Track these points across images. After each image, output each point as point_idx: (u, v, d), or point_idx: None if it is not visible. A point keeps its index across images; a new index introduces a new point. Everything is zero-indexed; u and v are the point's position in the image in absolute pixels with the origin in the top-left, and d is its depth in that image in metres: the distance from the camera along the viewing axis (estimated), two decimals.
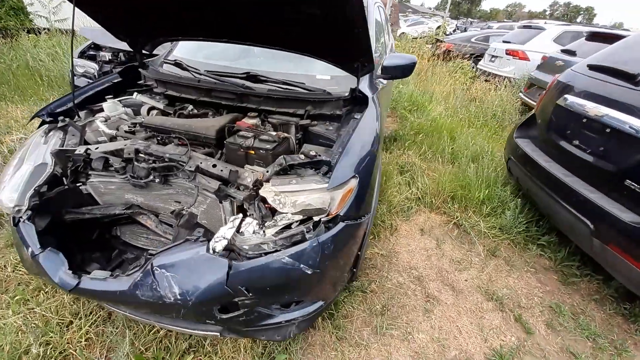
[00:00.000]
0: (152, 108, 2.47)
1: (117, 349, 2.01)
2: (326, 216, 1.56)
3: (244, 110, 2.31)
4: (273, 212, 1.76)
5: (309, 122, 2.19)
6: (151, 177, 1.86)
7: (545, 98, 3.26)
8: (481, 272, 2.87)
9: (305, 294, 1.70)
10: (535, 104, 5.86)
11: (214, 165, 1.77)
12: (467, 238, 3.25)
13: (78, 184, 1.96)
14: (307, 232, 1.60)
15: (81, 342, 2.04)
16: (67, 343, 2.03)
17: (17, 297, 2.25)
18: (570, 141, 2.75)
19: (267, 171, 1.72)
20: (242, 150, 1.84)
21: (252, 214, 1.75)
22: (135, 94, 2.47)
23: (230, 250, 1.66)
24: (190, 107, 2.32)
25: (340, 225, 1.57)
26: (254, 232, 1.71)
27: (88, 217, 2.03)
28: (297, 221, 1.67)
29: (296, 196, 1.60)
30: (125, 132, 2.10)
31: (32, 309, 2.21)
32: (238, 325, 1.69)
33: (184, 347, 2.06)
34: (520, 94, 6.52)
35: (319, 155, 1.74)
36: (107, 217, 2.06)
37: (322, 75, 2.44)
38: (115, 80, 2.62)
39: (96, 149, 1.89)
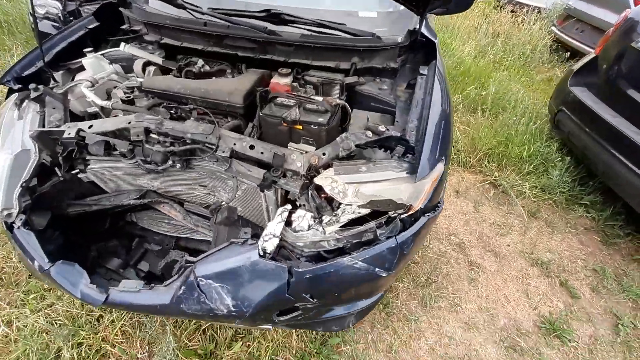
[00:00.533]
0: (147, 63, 1.91)
1: (159, 343, 1.87)
2: (406, 211, 1.24)
3: (269, 64, 1.80)
4: (329, 201, 1.43)
5: (356, 80, 1.72)
6: (169, 163, 1.47)
7: (612, 38, 2.73)
8: (523, 236, 2.74)
9: (374, 293, 1.50)
10: (571, 40, 5.18)
11: (252, 147, 1.37)
12: (505, 199, 3.05)
13: (75, 172, 1.56)
14: (378, 228, 1.31)
15: (118, 337, 1.89)
16: (102, 340, 1.87)
17: (32, 294, 2.03)
18: None
19: (324, 153, 1.34)
20: (285, 124, 1.42)
21: (304, 205, 1.43)
22: (122, 44, 1.88)
23: (281, 247, 1.39)
24: (201, 62, 1.77)
25: (423, 220, 1.28)
26: (309, 228, 1.41)
27: (96, 209, 1.68)
28: (364, 214, 1.36)
29: (365, 186, 1.26)
30: (123, 100, 1.61)
31: (52, 304, 2.00)
32: (295, 321, 1.51)
33: (230, 335, 1.94)
34: (553, 27, 5.71)
35: (388, 130, 1.35)
36: (118, 207, 1.71)
37: (366, 11, 1.86)
38: (91, 26, 1.98)
39: (90, 127, 1.44)
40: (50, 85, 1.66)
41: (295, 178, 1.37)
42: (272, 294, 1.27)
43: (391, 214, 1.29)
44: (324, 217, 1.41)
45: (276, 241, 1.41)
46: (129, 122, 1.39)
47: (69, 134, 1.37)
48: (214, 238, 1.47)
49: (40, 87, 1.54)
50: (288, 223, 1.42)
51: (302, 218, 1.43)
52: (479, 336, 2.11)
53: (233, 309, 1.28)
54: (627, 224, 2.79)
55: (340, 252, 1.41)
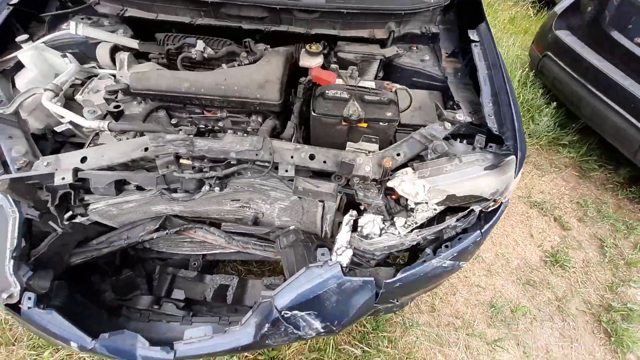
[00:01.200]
0: (116, 49, 1.40)
1: None
2: (492, 203, 1.18)
3: (282, 38, 1.43)
4: (397, 201, 1.31)
5: (396, 52, 1.47)
6: (206, 188, 1.17)
7: None
8: (520, 183, 2.95)
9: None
10: None
11: (312, 157, 1.13)
12: None
13: (74, 219, 1.18)
14: (458, 223, 1.26)
15: None
16: None
17: (43, 348, 1.69)
18: (632, 38, 2.44)
19: (398, 154, 1.16)
20: (345, 124, 1.18)
21: (371, 209, 1.30)
22: (72, 24, 1.32)
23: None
24: (201, 44, 1.33)
25: (502, 207, 1.24)
26: (382, 232, 1.30)
27: (107, 252, 1.35)
28: (439, 211, 1.28)
29: (452, 187, 1.15)
30: (112, 114, 1.18)
31: (71, 355, 1.71)
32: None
33: None
34: None
35: (465, 119, 1.19)
36: (135, 244, 1.40)
37: None
38: (12, 2, 1.35)
39: (83, 161, 1.04)
40: None
41: (366, 185, 1.20)
42: (361, 308, 1.21)
43: (474, 207, 1.22)
44: (396, 219, 1.30)
45: (350, 252, 1.29)
46: (146, 149, 1.03)
47: (63, 179, 0.98)
48: (284, 264, 1.28)
49: None
50: (355, 229, 1.30)
51: (373, 223, 1.30)
52: (500, 279, 2.35)
53: (322, 330, 1.21)
54: (599, 158, 3.14)
55: (412, 249, 1.36)
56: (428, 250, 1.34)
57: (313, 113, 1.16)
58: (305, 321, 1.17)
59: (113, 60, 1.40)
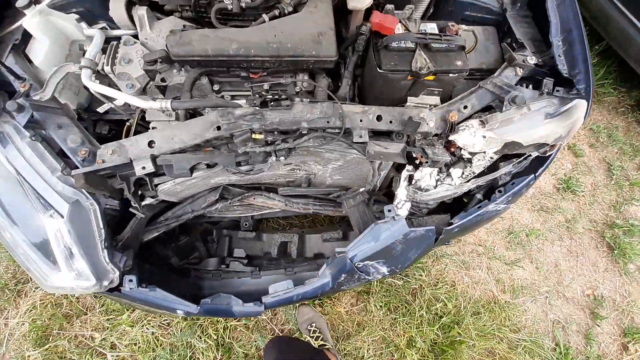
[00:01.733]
0: (130, 3, 1.18)
1: None
2: (549, 148, 1.22)
3: None
4: (452, 151, 1.34)
5: None
6: (272, 159, 1.16)
7: None
8: None
9: None
10: None
11: (379, 118, 1.10)
12: None
13: (149, 202, 1.18)
14: (512, 168, 1.31)
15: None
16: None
17: (118, 312, 1.88)
18: None
19: (465, 107, 1.13)
20: (411, 78, 1.11)
21: (426, 162, 1.33)
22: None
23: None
24: None
25: (557, 149, 1.29)
26: (438, 183, 1.36)
27: (175, 225, 1.40)
28: (495, 159, 1.32)
29: (518, 136, 1.16)
30: (159, 87, 1.07)
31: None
32: None
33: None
34: None
35: (538, 61, 1.13)
36: (201, 216, 1.43)
37: None
38: None
39: (151, 145, 0.99)
40: (22, 88, 1.00)
41: (429, 140, 1.20)
42: (421, 252, 1.35)
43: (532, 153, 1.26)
44: (452, 171, 1.35)
45: (408, 205, 1.37)
46: (218, 128, 0.97)
47: (144, 168, 0.94)
48: (352, 221, 1.36)
49: (21, 102, 0.92)
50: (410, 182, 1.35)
51: (429, 176, 1.35)
52: (516, 208, 2.56)
53: (387, 273, 1.36)
54: (615, 81, 3.11)
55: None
56: (479, 195, 1.42)
57: (379, 70, 1.08)
58: (375, 268, 1.31)
59: (132, 19, 1.20)
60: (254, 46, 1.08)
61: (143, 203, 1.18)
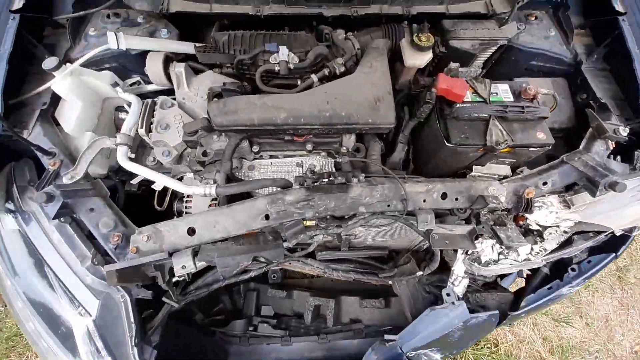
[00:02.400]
0: (167, 59, 1.09)
1: None
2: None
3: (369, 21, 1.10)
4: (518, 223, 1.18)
5: (517, 30, 1.15)
6: (319, 238, 1.03)
7: None
8: None
9: None
10: None
11: (444, 196, 0.96)
12: None
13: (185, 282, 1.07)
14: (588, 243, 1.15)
15: None
16: None
17: None
18: None
19: (545, 183, 0.98)
20: (482, 150, 0.96)
21: (489, 235, 1.17)
22: (111, 35, 0.99)
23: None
24: (285, 52, 1.01)
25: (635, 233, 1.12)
26: (500, 257, 1.20)
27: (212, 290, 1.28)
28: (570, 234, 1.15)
29: (605, 219, 1.00)
30: (201, 161, 0.97)
31: None
32: None
33: None
34: None
35: (626, 128, 0.97)
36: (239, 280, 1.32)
37: None
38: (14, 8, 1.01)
39: (192, 233, 0.87)
40: (51, 167, 0.91)
41: (498, 217, 1.05)
42: (480, 336, 1.19)
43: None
44: (517, 245, 1.19)
45: (466, 282, 1.22)
46: (267, 216, 0.85)
47: (184, 267, 0.83)
48: (405, 303, 1.21)
49: (51, 190, 0.83)
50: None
51: (492, 249, 1.19)
52: None
53: (440, 358, 1.21)
54: None
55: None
56: (546, 270, 1.26)
57: (447, 144, 0.94)
58: (427, 356, 1.17)
59: (169, 76, 1.10)
60: (304, 115, 0.96)
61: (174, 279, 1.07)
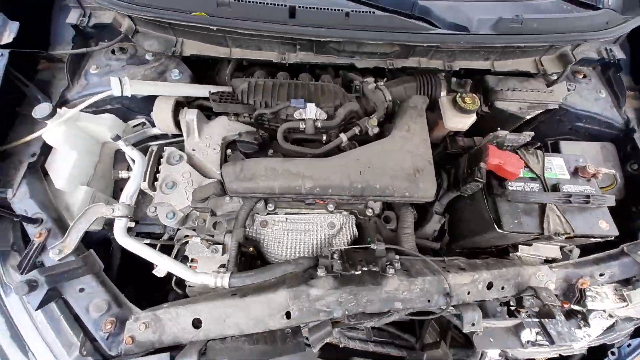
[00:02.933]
0: (181, 104, 0.96)
1: None
2: None
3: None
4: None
5: (567, 91, 1.04)
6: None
7: None
8: None
9: None
10: None
11: (490, 286, 0.84)
12: None
13: None
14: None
15: None
16: None
17: None
18: None
19: (601, 274, 0.86)
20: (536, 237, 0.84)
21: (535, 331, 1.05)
22: (114, 80, 0.86)
23: None
24: (313, 110, 0.89)
25: None
26: (537, 339, 1.08)
27: None
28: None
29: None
30: (209, 239, 0.84)
31: None
32: None
33: None
34: None
35: None
36: None
37: None
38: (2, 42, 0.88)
39: (197, 325, 0.74)
40: (36, 239, 0.77)
41: (546, 309, 0.93)
42: None
43: None
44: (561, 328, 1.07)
45: None
46: (288, 314, 0.72)
47: None
48: None
49: (34, 277, 0.69)
50: None
51: (530, 331, 1.07)
52: None
53: None
54: None
55: None
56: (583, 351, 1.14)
57: (499, 229, 0.82)
58: None
59: (178, 124, 0.98)
60: (333, 185, 0.84)
61: None
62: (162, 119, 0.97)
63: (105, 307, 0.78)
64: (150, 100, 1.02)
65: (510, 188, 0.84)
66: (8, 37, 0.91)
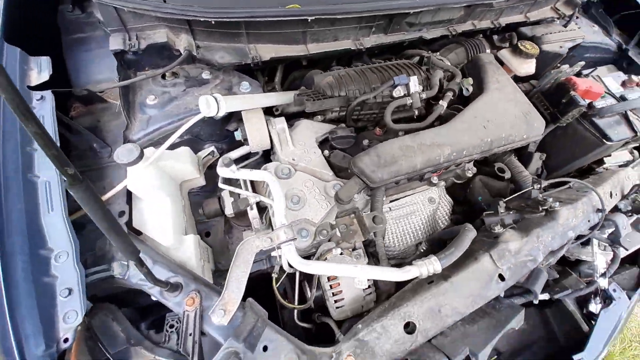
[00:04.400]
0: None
1: None
2: None
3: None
4: None
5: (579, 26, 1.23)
6: None
7: None
8: None
9: None
10: None
11: (611, 195, 0.92)
12: None
13: None
14: None
15: None
16: None
17: None
18: None
19: None
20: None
21: None
22: (201, 100, 0.72)
23: None
24: (416, 82, 0.87)
25: None
26: None
27: None
28: None
29: None
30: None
31: None
32: None
33: None
34: None
35: None
36: None
37: None
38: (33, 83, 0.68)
39: (410, 330, 0.65)
40: None
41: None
42: None
43: None
44: None
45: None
46: (501, 276, 0.68)
47: None
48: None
49: None
50: None
51: None
52: None
53: None
54: None
55: None
56: None
57: (607, 142, 0.91)
58: None
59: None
60: (466, 146, 0.83)
61: None
62: (257, 134, 0.85)
63: (296, 358, 0.63)
64: (218, 123, 0.89)
65: (598, 107, 0.95)
66: (40, 75, 0.70)
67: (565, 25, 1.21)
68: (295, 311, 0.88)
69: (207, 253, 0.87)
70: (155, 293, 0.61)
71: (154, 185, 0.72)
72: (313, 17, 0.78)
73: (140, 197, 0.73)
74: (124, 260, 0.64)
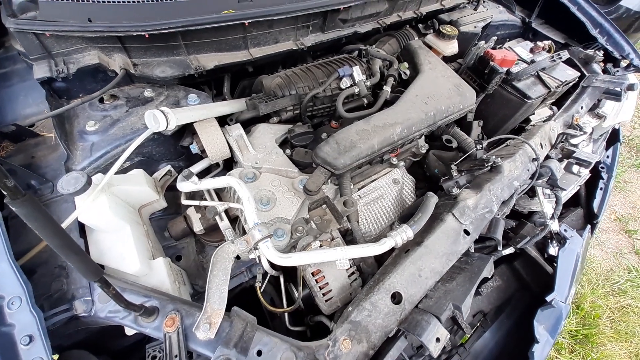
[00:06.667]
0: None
1: None
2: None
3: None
4: None
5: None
6: None
7: None
8: None
9: None
10: None
11: (542, 145, 1.05)
12: None
13: None
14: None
15: None
16: None
17: None
18: None
19: (582, 107, 1.19)
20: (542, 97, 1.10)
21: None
22: (147, 115, 0.69)
23: None
24: (359, 72, 0.92)
25: None
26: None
27: None
28: None
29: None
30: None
31: None
32: None
33: None
34: None
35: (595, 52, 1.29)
36: None
37: None
38: None
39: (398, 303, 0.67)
40: None
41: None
42: None
43: None
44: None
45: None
46: (465, 232, 0.73)
47: (439, 339, 0.61)
48: None
49: None
50: None
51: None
52: None
53: None
54: None
55: None
56: None
57: (528, 100, 1.04)
58: None
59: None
60: (415, 122, 0.90)
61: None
62: (215, 144, 0.83)
63: (293, 356, 0.62)
64: (170, 140, 0.86)
65: (514, 71, 1.08)
66: None
67: (475, 9, 1.38)
68: (287, 316, 0.87)
69: (181, 276, 0.82)
70: (129, 323, 0.57)
71: (108, 213, 0.67)
72: (249, 21, 0.80)
73: (94, 228, 0.68)
74: (87, 296, 0.58)
